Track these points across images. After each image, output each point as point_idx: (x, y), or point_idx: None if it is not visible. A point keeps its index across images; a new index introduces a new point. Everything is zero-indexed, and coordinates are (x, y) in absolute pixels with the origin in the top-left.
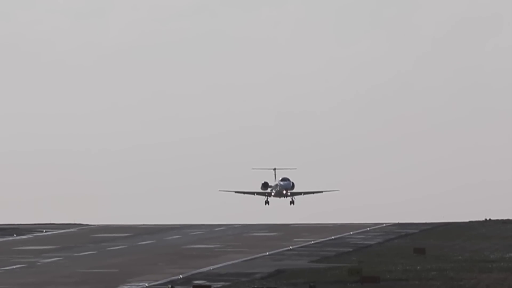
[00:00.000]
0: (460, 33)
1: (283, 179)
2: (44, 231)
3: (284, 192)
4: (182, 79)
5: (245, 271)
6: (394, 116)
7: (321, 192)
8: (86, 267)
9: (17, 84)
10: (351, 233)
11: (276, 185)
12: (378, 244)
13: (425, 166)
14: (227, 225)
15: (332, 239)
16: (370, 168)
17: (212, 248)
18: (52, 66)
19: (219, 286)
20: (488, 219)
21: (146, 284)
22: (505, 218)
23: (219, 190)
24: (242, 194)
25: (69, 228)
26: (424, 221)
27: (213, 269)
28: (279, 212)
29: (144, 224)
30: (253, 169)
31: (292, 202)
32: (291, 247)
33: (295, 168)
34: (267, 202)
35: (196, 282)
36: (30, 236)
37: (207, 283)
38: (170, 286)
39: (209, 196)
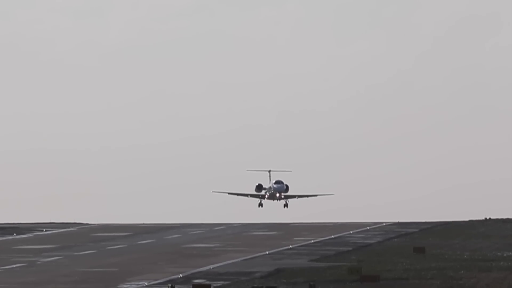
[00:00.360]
0: (459, 32)
1: (277, 182)
2: (44, 230)
3: (277, 195)
4: (181, 78)
5: (245, 270)
6: (393, 115)
7: (316, 195)
8: (86, 266)
9: (17, 83)
10: (351, 232)
11: (270, 187)
12: (378, 243)
13: (424, 165)
14: (227, 224)
15: (332, 238)
16: (370, 167)
17: (212, 247)
18: (52, 65)
19: (219, 285)
20: (488, 218)
21: (146, 283)
22: (505, 217)
23: (213, 191)
24: (236, 196)
25: (69, 227)
26: (424, 220)
27: (213, 268)
28: (278, 213)
29: (144, 223)
30: (248, 170)
31: (285, 205)
32: (291, 246)
33: (290, 171)
34: (260, 205)
35: (196, 281)
36: (30, 235)
37: (207, 282)
38: (170, 285)
39: (209, 195)
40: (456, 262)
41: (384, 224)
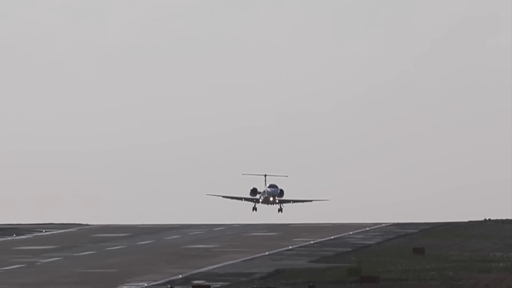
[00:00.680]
0: (459, 33)
1: (271, 186)
2: (43, 231)
3: (271, 199)
4: (181, 79)
5: (244, 271)
6: (393, 116)
7: (311, 201)
8: (85, 267)
9: (16, 84)
10: (351, 233)
11: (264, 191)
12: (378, 244)
13: (424, 166)
14: (226, 225)
15: (331, 239)
16: (370, 168)
17: (211, 248)
18: (51, 65)
19: (218, 286)
20: (487, 219)
21: (145, 284)
22: (504, 218)
23: (207, 194)
24: (230, 199)
25: (69, 228)
26: (423, 221)
27: (212, 269)
28: (274, 216)
29: (143, 224)
30: (243, 174)
31: (280, 210)
32: (290, 247)
33: (287, 176)
34: (254, 209)
35: (195, 282)
36: (29, 236)
37: (207, 283)
38: (169, 286)
39: (209, 196)
40: (456, 262)
41: (383, 224)
